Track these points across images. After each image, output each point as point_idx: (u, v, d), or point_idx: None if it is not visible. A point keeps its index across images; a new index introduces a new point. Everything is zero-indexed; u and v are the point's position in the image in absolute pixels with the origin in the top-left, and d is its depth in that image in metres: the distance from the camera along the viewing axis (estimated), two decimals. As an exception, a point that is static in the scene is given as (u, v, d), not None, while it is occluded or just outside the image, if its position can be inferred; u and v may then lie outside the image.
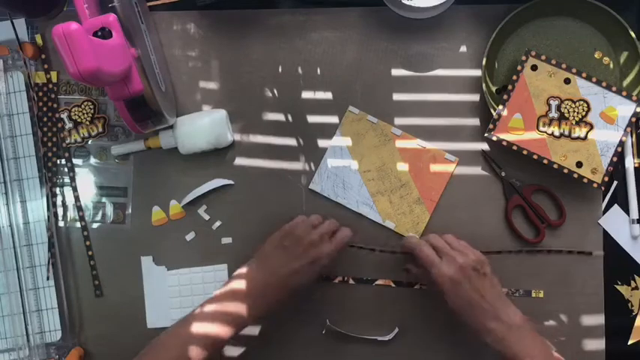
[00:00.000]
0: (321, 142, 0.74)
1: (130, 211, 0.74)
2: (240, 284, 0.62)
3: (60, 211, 0.74)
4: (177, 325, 0.61)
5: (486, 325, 0.60)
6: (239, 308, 0.60)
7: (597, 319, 0.71)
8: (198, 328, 0.60)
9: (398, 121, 0.73)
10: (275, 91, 0.74)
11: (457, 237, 0.66)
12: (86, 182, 0.75)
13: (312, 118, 0.74)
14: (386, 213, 0.72)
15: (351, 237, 0.66)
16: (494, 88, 0.72)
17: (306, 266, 0.62)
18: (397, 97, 0.73)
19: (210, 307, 0.61)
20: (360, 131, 0.73)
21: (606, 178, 0.68)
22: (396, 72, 0.73)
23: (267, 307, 0.62)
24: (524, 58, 0.69)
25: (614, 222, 0.72)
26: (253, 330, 0.73)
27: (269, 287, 0.61)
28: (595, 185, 0.68)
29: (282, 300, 0.62)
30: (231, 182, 0.74)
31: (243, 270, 0.63)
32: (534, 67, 0.69)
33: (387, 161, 0.73)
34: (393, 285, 0.73)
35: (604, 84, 0.68)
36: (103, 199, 0.74)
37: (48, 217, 0.73)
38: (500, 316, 0.60)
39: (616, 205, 0.72)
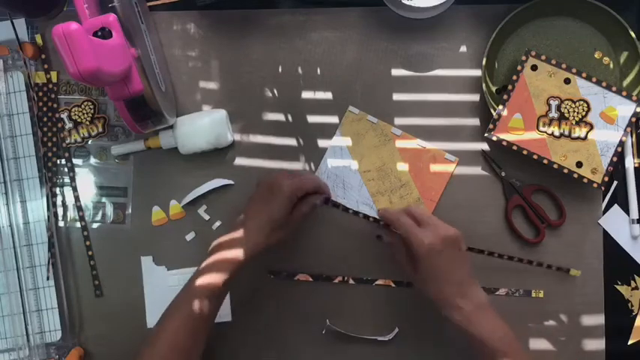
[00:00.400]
0: (321, 142, 0.74)
1: (130, 211, 0.74)
2: (231, 230, 0.66)
3: (60, 211, 0.74)
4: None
5: (454, 302, 0.60)
6: (238, 240, 0.64)
7: (597, 319, 0.71)
8: (213, 258, 0.64)
9: (398, 121, 0.73)
10: (275, 91, 0.74)
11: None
12: (86, 182, 0.75)
13: (312, 118, 0.74)
14: None
15: (314, 182, 0.67)
16: (494, 88, 0.72)
17: (269, 200, 0.65)
18: (397, 97, 0.73)
19: (215, 248, 0.66)
20: (360, 131, 0.73)
21: (606, 178, 0.68)
22: (396, 72, 0.73)
23: (260, 240, 0.64)
24: (524, 58, 0.69)
25: (614, 222, 0.72)
26: (254, 329, 0.73)
27: (253, 227, 0.65)
28: (595, 185, 0.68)
29: (265, 236, 0.65)
30: (231, 182, 0.74)
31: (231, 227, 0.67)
32: (534, 67, 0.69)
33: (387, 161, 0.73)
34: (393, 285, 0.73)
35: (604, 84, 0.68)
36: (103, 199, 0.74)
37: (48, 217, 0.73)
38: (468, 293, 0.61)
39: (616, 205, 0.72)
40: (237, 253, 0.63)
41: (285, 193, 0.64)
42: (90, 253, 0.74)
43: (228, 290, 0.64)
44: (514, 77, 0.69)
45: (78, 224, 0.74)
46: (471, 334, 0.59)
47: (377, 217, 0.72)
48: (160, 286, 0.73)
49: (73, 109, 0.74)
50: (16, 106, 0.74)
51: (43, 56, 0.74)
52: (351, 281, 0.73)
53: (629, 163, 0.71)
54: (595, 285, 0.71)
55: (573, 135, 0.68)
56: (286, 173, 0.67)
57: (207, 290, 0.62)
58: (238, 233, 0.65)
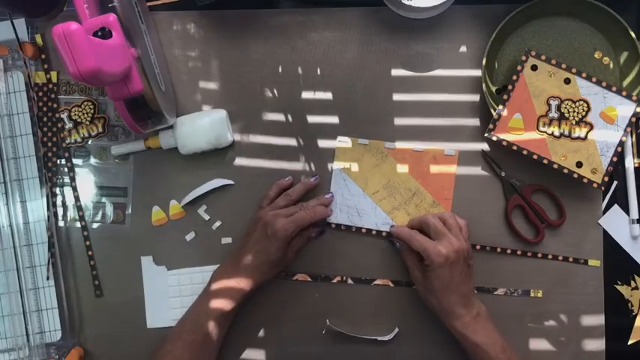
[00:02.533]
0: (321, 143, 0.74)
1: (130, 211, 0.74)
2: (227, 265, 0.70)
3: (60, 211, 0.74)
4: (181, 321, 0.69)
5: (456, 310, 0.64)
6: (236, 280, 0.67)
7: (597, 319, 0.71)
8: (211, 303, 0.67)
9: (398, 121, 0.73)
10: (275, 91, 0.74)
11: (457, 217, 0.68)
12: (86, 182, 0.75)
13: (312, 118, 0.74)
14: None
15: (311, 217, 0.68)
16: (494, 88, 0.72)
17: (264, 242, 0.67)
18: (397, 97, 0.73)
19: (214, 286, 0.69)
20: (356, 156, 0.73)
21: (606, 178, 0.68)
22: (396, 72, 0.73)
23: (253, 280, 0.68)
24: (524, 58, 0.69)
25: (614, 222, 0.72)
26: (253, 329, 0.73)
27: (250, 267, 0.67)
28: (595, 185, 0.68)
29: (262, 274, 0.68)
30: (231, 182, 0.74)
31: (228, 259, 0.71)
32: (534, 67, 0.69)
33: (390, 177, 0.73)
34: (392, 285, 0.73)
35: (604, 84, 0.68)
36: (103, 199, 0.74)
37: (48, 217, 0.73)
38: (469, 304, 0.65)
39: (616, 205, 0.72)
40: (234, 293, 0.67)
41: (280, 237, 0.66)
42: (90, 253, 0.74)
43: (227, 324, 0.68)
44: (514, 77, 0.69)
45: (78, 224, 0.74)
46: (469, 340, 0.64)
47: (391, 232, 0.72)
48: (160, 286, 0.73)
49: (73, 109, 0.74)
50: (16, 106, 0.74)
51: (43, 56, 0.74)
52: (350, 281, 0.73)
53: (629, 163, 0.71)
54: (595, 285, 0.71)
55: (573, 135, 0.68)
56: (283, 211, 0.68)
57: (201, 329, 0.66)
58: (235, 272, 0.68)
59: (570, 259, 0.71)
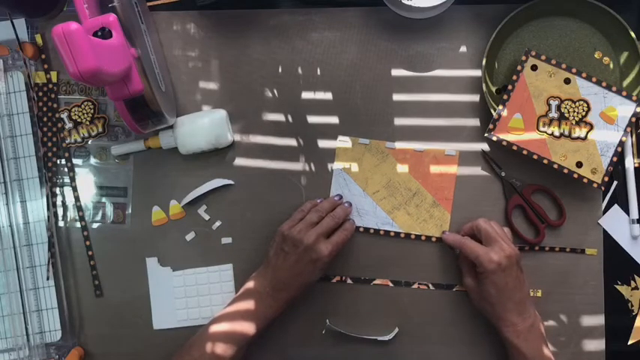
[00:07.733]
0: (321, 143, 0.74)
1: (130, 211, 0.74)
2: (251, 289, 0.67)
3: (60, 211, 0.74)
4: (202, 330, 0.67)
5: (510, 318, 0.63)
6: (254, 308, 0.66)
7: (597, 319, 0.71)
8: (220, 327, 0.66)
9: (398, 121, 0.73)
10: (275, 91, 0.74)
11: (499, 225, 0.68)
12: (86, 182, 0.75)
13: (312, 119, 0.74)
14: (407, 226, 0.72)
15: (350, 235, 0.69)
16: (494, 88, 0.72)
17: (307, 267, 0.65)
18: (397, 97, 0.73)
19: (228, 310, 0.67)
20: (357, 156, 0.73)
21: (606, 178, 0.68)
22: (396, 72, 0.73)
23: (278, 306, 0.66)
24: (524, 58, 0.69)
25: (614, 222, 0.72)
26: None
27: (276, 290, 0.66)
28: (595, 185, 0.68)
29: (290, 298, 0.67)
30: (231, 182, 0.74)
31: (253, 275, 0.69)
32: (534, 67, 0.69)
33: (391, 176, 0.73)
34: (391, 284, 0.73)
35: (604, 84, 0.68)
36: (103, 199, 0.74)
37: (48, 217, 0.73)
38: (524, 312, 0.64)
39: (616, 205, 0.72)
40: (267, 312, 0.66)
41: (327, 262, 0.65)
42: (90, 253, 0.74)
43: (254, 341, 0.67)
44: (514, 77, 0.69)
45: (78, 224, 0.74)
46: (517, 350, 0.63)
47: (433, 236, 0.72)
48: (165, 287, 0.73)
49: (73, 109, 0.74)
50: (16, 106, 0.74)
51: (43, 56, 0.74)
52: (349, 281, 0.73)
53: (629, 163, 0.71)
54: (595, 285, 0.71)
55: (573, 135, 0.68)
56: (321, 235, 0.65)
57: (235, 337, 0.65)
58: (269, 290, 0.66)
59: (567, 250, 0.71)
